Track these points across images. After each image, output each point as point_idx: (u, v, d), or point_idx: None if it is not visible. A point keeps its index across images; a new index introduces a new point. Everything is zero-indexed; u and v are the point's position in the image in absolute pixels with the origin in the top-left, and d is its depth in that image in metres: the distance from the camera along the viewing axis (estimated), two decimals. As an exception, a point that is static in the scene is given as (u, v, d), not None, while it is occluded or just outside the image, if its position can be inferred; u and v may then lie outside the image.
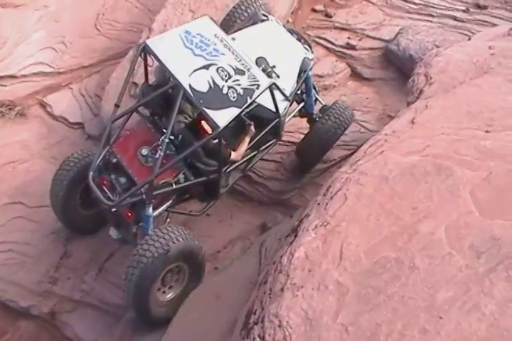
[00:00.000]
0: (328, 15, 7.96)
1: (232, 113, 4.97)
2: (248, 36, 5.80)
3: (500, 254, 3.35)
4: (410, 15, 8.07)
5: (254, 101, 5.13)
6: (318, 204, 3.70)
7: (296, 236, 3.55)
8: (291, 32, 6.25)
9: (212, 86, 5.02)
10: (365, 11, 8.03)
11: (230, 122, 4.95)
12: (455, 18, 8.01)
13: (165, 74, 5.31)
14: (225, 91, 5.02)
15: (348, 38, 7.65)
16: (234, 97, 5.01)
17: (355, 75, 7.39)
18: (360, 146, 4.34)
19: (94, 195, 5.08)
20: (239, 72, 5.14)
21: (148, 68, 5.48)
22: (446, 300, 3.12)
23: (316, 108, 6.27)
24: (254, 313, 3.28)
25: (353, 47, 7.57)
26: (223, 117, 4.92)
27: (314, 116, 6.18)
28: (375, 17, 7.93)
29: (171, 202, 5.32)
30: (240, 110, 5.02)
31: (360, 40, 7.50)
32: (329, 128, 6.01)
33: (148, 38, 6.88)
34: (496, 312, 3.09)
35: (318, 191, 4.08)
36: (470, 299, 3.14)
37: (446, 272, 3.26)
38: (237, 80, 5.09)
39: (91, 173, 5.03)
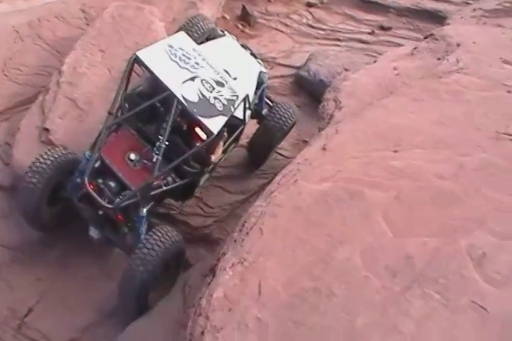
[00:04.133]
0: (239, 47, 8.10)
1: (221, 121, 5.56)
2: (210, 50, 6.22)
3: (414, 272, 3.44)
4: (319, 40, 8.37)
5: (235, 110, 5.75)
6: (235, 241, 3.69)
7: (214, 276, 3.53)
8: (245, 47, 6.92)
9: (201, 96, 5.56)
10: (275, 40, 8.28)
11: (220, 129, 5.52)
12: (361, 41, 8.37)
13: (153, 84, 5.70)
14: (212, 101, 5.60)
15: (260, 67, 7.78)
16: (220, 107, 5.61)
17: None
18: (275, 177, 4.39)
19: (85, 198, 5.42)
20: (219, 84, 5.78)
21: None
22: (365, 325, 3.17)
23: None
24: (177, 360, 3.24)
25: (265, 77, 7.70)
26: (215, 124, 5.49)
27: (264, 115, 6.76)
28: (285, 45, 8.19)
29: (153, 203, 5.63)
30: (227, 118, 5.61)
31: (271, 68, 7.67)
32: (275, 123, 6.62)
33: (57, 81, 6.83)
34: (414, 330, 3.15)
35: (238, 223, 4.10)
36: (388, 321, 3.19)
37: (364, 296, 3.31)
38: (220, 92, 5.71)
39: (86, 179, 5.27)
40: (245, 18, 9.00)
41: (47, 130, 6.35)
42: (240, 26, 8.79)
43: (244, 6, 9.04)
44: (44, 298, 5.79)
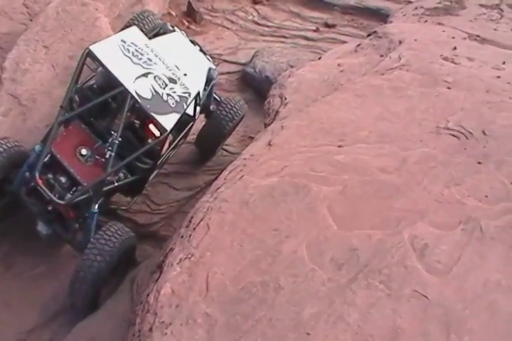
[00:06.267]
0: (184, 43, 8.07)
1: (174, 118, 5.56)
2: (160, 45, 6.15)
3: (359, 264, 3.53)
4: (264, 37, 8.44)
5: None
6: (182, 236, 3.70)
7: (161, 272, 3.53)
8: (194, 43, 6.84)
9: (154, 93, 5.55)
10: (221, 36, 8.31)
11: (174, 126, 5.53)
12: (306, 38, 8.47)
13: (105, 79, 5.66)
14: (165, 98, 5.59)
15: (206, 64, 7.78)
16: (173, 104, 5.61)
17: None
18: (221, 172, 4.41)
19: (33, 192, 5.33)
20: (172, 80, 5.78)
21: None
22: (312, 316, 3.23)
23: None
24: (125, 358, 3.23)
25: (210, 73, 7.72)
26: (169, 122, 5.50)
27: (211, 110, 6.77)
28: (231, 41, 8.22)
29: (103, 199, 5.58)
30: (180, 115, 5.62)
31: (217, 65, 7.66)
32: (223, 117, 6.66)
33: (0, 78, 6.65)
34: (359, 320, 3.24)
35: (185, 219, 4.10)
36: (334, 311, 3.27)
37: (310, 288, 3.38)
38: (172, 88, 5.71)
39: (37, 174, 5.17)
40: (191, 14, 8.97)
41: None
42: (186, 23, 8.76)
43: (190, 3, 9.01)
44: (-13, 300, 5.65)
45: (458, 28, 6.30)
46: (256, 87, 7.64)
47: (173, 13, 8.92)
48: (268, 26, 8.59)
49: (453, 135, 4.54)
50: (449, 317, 3.27)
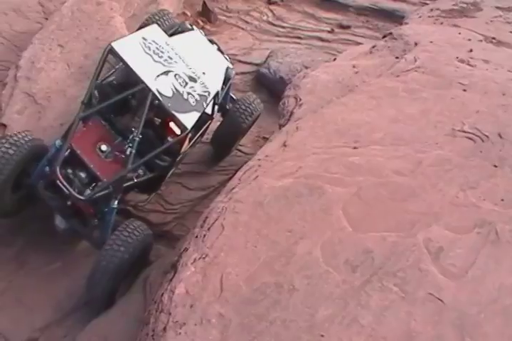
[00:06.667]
0: (199, 43, 8.10)
1: (195, 116, 5.64)
2: (179, 43, 6.19)
3: (373, 266, 3.51)
4: (279, 38, 8.45)
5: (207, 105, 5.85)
6: (196, 236, 3.71)
7: (175, 272, 3.54)
8: (212, 43, 6.88)
9: (175, 91, 5.61)
10: (236, 37, 8.33)
11: (194, 124, 5.59)
12: (321, 39, 8.48)
13: (126, 76, 5.71)
14: (185, 96, 5.66)
15: (220, 64, 7.80)
16: (193, 102, 5.68)
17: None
18: (235, 173, 4.42)
19: (51, 187, 5.33)
20: (192, 79, 5.84)
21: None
22: (326, 318, 3.22)
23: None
24: (139, 357, 3.24)
25: (225, 73, 7.74)
26: (189, 120, 5.56)
27: (228, 108, 6.77)
28: (246, 42, 8.24)
29: (120, 195, 5.59)
30: (200, 114, 5.69)
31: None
32: (240, 115, 6.67)
33: (15, 76, 6.70)
34: (373, 322, 3.22)
35: (198, 219, 4.11)
36: (348, 313, 3.26)
37: (325, 290, 3.37)
38: (192, 87, 5.78)
39: (58, 168, 5.18)
40: (206, 14, 9.01)
41: (4, 126, 6.22)
42: (201, 22, 8.80)
43: (204, 3, 9.06)
44: (1, 297, 5.63)
45: (474, 30, 6.27)
46: (270, 87, 7.64)
47: (188, 13, 8.96)
48: (283, 27, 8.61)
49: (468, 138, 4.52)
50: (464, 321, 3.25)
